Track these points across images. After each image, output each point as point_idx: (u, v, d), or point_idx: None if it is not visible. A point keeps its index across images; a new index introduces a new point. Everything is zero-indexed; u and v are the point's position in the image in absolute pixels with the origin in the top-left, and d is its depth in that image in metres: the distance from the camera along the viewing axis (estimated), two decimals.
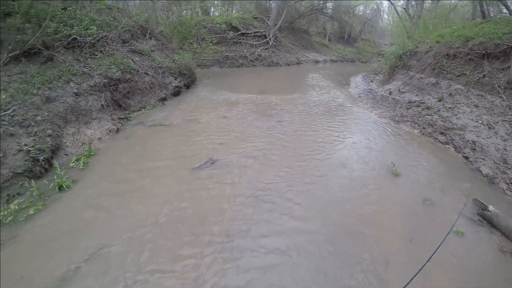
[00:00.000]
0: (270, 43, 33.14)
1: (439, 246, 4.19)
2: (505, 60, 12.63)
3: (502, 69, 12.57)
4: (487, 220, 6.72)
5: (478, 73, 13.63)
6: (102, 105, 10.14)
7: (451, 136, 11.37)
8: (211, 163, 8.23)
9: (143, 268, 4.80)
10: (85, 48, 11.16)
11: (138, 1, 25.29)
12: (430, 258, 3.94)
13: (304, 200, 6.95)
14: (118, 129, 10.13)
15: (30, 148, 7.20)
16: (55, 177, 6.89)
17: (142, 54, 14.48)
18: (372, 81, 25.05)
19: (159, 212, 6.14)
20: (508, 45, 12.48)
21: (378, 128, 12.69)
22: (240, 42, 30.47)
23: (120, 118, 10.77)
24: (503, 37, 12.96)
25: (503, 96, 11.63)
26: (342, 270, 5.00)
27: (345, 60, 49.92)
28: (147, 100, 12.95)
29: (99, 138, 9.24)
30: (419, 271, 3.64)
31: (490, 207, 6.74)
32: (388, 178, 8.33)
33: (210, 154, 8.78)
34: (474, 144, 10.41)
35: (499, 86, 12.10)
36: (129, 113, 11.44)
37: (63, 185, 6.67)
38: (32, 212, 5.87)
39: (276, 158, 8.92)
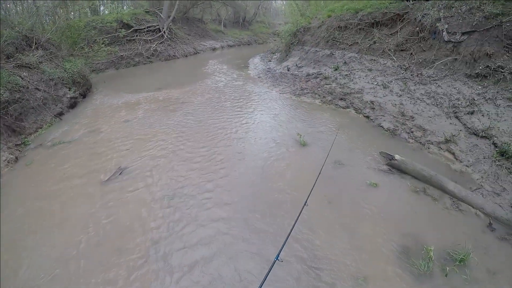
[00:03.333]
0: (165, 36, 32.34)
1: (311, 190, 4.73)
2: (392, 27, 13.79)
3: (390, 34, 13.68)
4: (396, 168, 7.45)
5: (369, 40, 14.64)
6: None
7: (350, 100, 12.25)
8: (120, 173, 7.97)
9: None
10: None
11: (20, 8, 23.46)
12: (306, 202, 4.40)
13: (221, 187, 7.16)
14: (17, 158, 9.21)
15: None
16: None
17: (30, 67, 13.25)
18: (270, 61, 25.69)
19: (77, 238, 5.81)
20: (394, 13, 13.66)
21: (281, 104, 13.29)
22: (133, 39, 29.32)
23: (16, 145, 9.77)
24: (390, 6, 14.35)
25: (394, 58, 12.60)
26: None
27: (242, 43, 50.38)
28: (43, 118, 11.93)
29: None
30: (299, 215, 4.08)
31: (397, 156, 7.45)
32: (297, 149, 8.83)
33: (117, 163, 8.53)
34: (373, 103, 11.31)
35: (389, 50, 13.08)
36: (25, 137, 10.41)
37: None
38: None
39: (185, 153, 8.96)
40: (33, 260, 5.29)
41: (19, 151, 9.67)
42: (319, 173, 5.44)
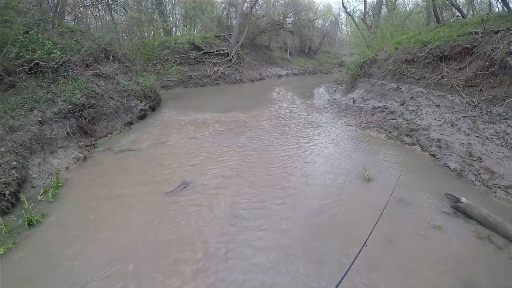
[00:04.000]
0: (233, 60, 33.31)
1: (371, 231, 4.32)
2: (461, 61, 13.30)
3: (459, 69, 13.22)
4: (461, 211, 7.06)
5: (436, 75, 14.26)
6: (67, 133, 9.78)
7: (416, 137, 11.84)
8: (184, 187, 8.03)
9: None
10: (48, 73, 10.71)
11: (100, 23, 25.02)
12: (365, 243, 4.05)
13: (283, 213, 7.00)
14: (85, 157, 9.74)
15: None
16: (23, 212, 6.46)
17: (106, 77, 14.11)
18: (335, 91, 25.56)
19: (137, 242, 5.87)
20: (463, 46, 13.19)
21: (346, 136, 13.01)
22: (203, 61, 30.48)
23: (86, 145, 10.36)
24: (458, 39, 13.78)
25: (462, 94, 12.17)
26: None
27: (307, 72, 50.70)
28: (113, 125, 12.61)
29: (67, 168, 8.84)
30: (357, 255, 3.73)
31: (463, 199, 7.09)
32: (361, 183, 8.54)
33: (182, 177, 8.60)
34: (439, 142, 10.88)
35: (457, 85, 12.66)
36: (95, 140, 11.06)
37: (33, 220, 6.22)
38: (2, 252, 5.39)
39: (249, 176, 8.88)
40: (88, 256, 5.42)
41: (88, 151, 10.22)
42: (381, 213, 5.16)
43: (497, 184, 8.16)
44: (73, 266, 5.19)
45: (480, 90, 11.77)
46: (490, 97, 11.11)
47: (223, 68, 31.49)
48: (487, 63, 11.85)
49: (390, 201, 7.15)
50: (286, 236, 6.20)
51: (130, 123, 13.74)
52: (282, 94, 26.00)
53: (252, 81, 34.58)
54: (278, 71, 43.73)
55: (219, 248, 5.78)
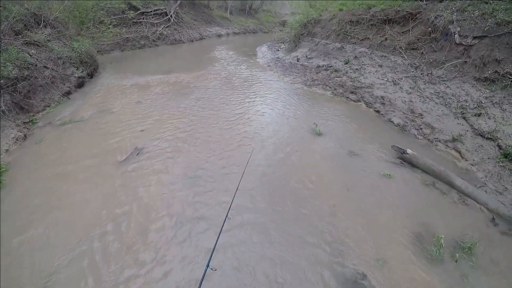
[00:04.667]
0: (172, 20, 32.23)
1: (231, 203, 4.69)
2: (404, 25, 13.96)
3: (402, 32, 13.80)
4: (407, 161, 7.75)
5: (380, 36, 14.75)
6: (3, 111, 9.05)
7: (361, 94, 12.42)
8: (137, 153, 7.92)
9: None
10: None
11: None
12: (227, 215, 4.28)
13: (241, 170, 6.98)
14: (25, 135, 9.09)
15: None
16: None
17: (38, 45, 13.04)
18: (278, 50, 25.79)
19: (99, 218, 5.71)
20: (407, 12, 13.81)
21: (293, 93, 13.37)
22: (140, 22, 29.17)
23: (24, 123, 9.67)
24: (403, 4, 14.39)
25: (405, 56, 12.72)
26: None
27: (248, 31, 50.26)
28: (51, 96, 11.81)
29: (7, 150, 8.16)
30: (222, 227, 4.00)
31: (408, 150, 7.74)
32: (313, 138, 8.96)
33: (133, 144, 8.47)
34: (383, 99, 11.48)
35: (400, 47, 13.21)
36: (33, 115, 10.31)
37: None
38: None
39: (201, 135, 8.96)
40: (50, 242, 5.16)
41: (27, 129, 9.56)
42: (243, 173, 5.88)
43: (437, 138, 8.90)
44: (38, 256, 4.91)
45: (422, 53, 12.41)
46: (431, 60, 11.76)
47: (162, 29, 30.40)
48: (429, 29, 12.50)
49: (343, 153, 8.03)
50: (250, 192, 6.49)
51: (68, 93, 12.97)
52: (224, 53, 25.80)
53: (192, 41, 33.82)
54: (218, 30, 42.97)
55: (183, 211, 5.88)
